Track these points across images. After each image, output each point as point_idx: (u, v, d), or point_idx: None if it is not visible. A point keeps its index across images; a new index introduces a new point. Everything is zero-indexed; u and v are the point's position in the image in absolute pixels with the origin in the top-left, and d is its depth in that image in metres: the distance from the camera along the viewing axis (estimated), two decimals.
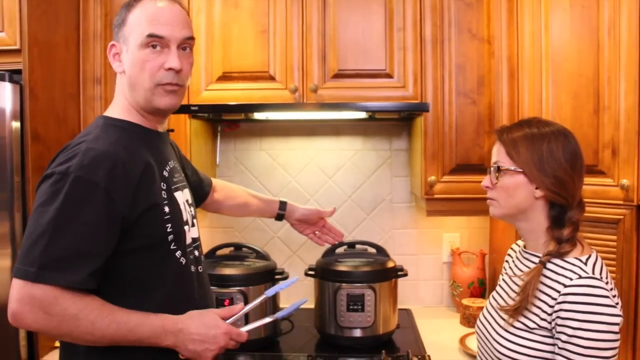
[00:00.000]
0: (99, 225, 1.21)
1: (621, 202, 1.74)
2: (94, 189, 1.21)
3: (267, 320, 1.49)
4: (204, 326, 1.32)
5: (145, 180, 1.31)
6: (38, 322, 1.17)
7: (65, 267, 1.17)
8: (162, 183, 1.37)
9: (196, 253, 1.48)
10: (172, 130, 2.18)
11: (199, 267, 1.48)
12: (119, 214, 1.24)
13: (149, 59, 1.34)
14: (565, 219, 1.31)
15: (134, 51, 1.35)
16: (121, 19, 1.38)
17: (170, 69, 1.35)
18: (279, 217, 2.00)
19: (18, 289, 1.17)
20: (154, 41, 1.34)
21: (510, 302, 1.36)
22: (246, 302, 2.09)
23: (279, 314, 1.51)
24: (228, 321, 1.39)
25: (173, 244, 1.36)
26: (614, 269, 1.73)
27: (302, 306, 1.52)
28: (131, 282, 1.30)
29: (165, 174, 1.41)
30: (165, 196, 1.36)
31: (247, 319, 1.67)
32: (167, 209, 1.35)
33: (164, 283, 1.34)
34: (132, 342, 1.25)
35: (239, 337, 1.38)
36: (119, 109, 1.40)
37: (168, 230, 1.35)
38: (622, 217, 1.74)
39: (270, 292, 1.52)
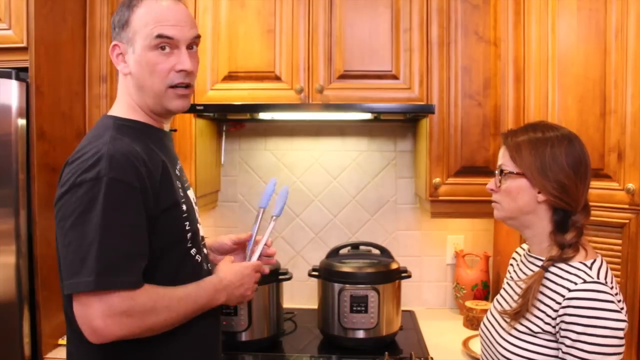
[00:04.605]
0: (140, 224, 1.21)
1: (627, 206, 1.73)
2: (130, 189, 1.20)
3: (270, 226, 1.58)
4: (237, 272, 1.44)
5: (164, 179, 1.30)
6: (124, 328, 1.16)
7: (125, 269, 1.17)
8: (176, 181, 1.36)
9: (205, 251, 1.48)
10: (175, 130, 2.18)
11: (209, 265, 1.48)
12: (147, 213, 1.23)
13: (158, 61, 1.32)
14: (569, 223, 1.31)
15: (141, 53, 1.31)
16: (123, 19, 1.33)
17: (182, 70, 1.33)
18: None
19: (91, 304, 1.14)
20: (164, 42, 1.31)
21: (513, 306, 1.35)
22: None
23: (274, 212, 1.60)
24: (253, 258, 1.54)
25: (190, 242, 1.36)
26: (618, 273, 1.73)
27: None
28: (150, 283, 1.27)
29: (177, 172, 1.40)
30: (181, 194, 1.36)
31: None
32: (184, 207, 1.35)
33: (182, 282, 1.32)
34: (196, 312, 1.31)
35: (262, 269, 1.53)
36: (124, 108, 1.38)
37: (187, 228, 1.35)
38: (627, 221, 1.73)
39: (264, 203, 1.63)
